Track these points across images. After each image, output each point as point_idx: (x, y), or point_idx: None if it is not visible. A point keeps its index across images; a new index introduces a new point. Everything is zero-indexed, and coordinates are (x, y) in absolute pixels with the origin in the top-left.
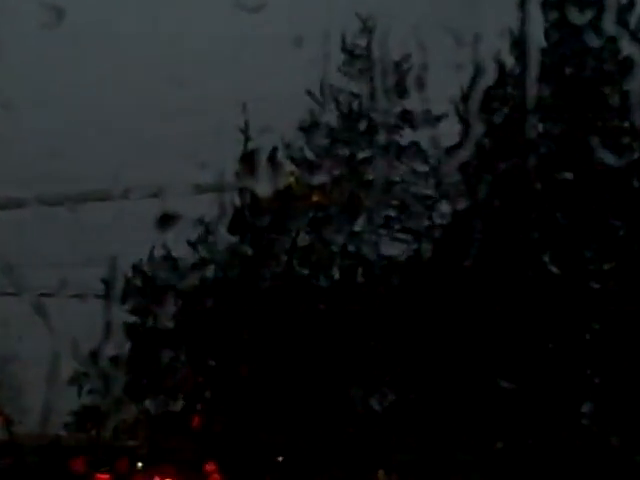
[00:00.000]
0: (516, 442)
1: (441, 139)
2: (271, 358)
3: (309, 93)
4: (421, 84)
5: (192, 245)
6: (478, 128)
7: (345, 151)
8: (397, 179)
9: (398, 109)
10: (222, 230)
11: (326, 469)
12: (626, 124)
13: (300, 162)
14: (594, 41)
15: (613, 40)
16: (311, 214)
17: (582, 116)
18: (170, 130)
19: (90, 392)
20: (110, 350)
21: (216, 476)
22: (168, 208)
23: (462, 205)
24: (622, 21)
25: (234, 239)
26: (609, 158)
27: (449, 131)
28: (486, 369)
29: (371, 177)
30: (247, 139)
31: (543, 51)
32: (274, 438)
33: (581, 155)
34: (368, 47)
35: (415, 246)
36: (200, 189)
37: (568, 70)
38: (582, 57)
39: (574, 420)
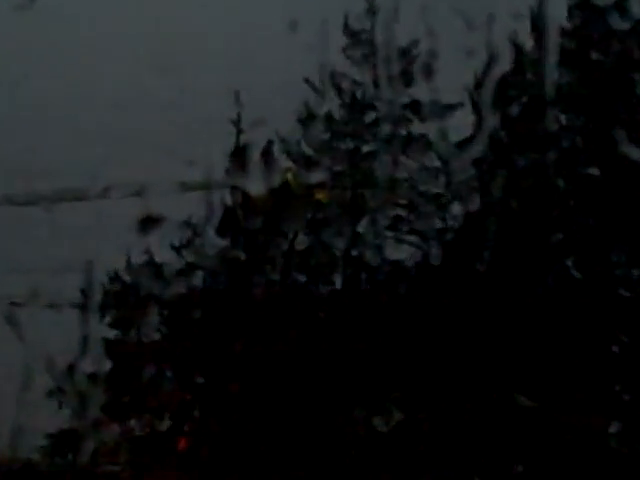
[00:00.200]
0: (537, 465)
1: (452, 132)
2: (265, 374)
3: (307, 81)
4: (429, 71)
5: (177, 249)
6: (493, 120)
7: (347, 145)
8: (404, 176)
9: (405, 99)
10: (211, 232)
11: None
12: None
13: (297, 157)
14: (619, 24)
15: None
16: (310, 214)
17: (607, 106)
18: (154, 123)
19: (65, 410)
20: (88, 365)
21: None
22: (151, 208)
23: (475, 205)
24: None
25: (224, 242)
26: (635, 153)
27: (461, 123)
28: (503, 385)
29: (376, 174)
30: (239, 132)
31: (563, 34)
32: (268, 462)
33: (607, 149)
34: (372, 30)
35: (424, 250)
36: (187, 187)
37: (591, 56)
38: (606, 41)
39: (601, 441)
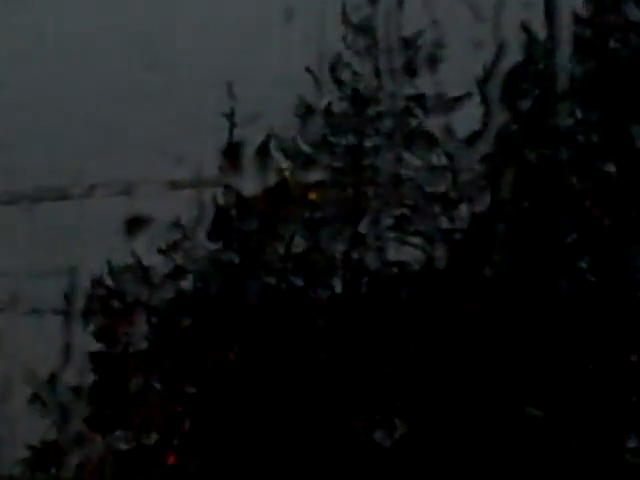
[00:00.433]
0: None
1: (459, 127)
2: (261, 384)
3: (308, 70)
4: (434, 62)
5: (166, 252)
6: (502, 114)
7: (347, 140)
8: (407, 174)
9: (409, 90)
10: (202, 234)
11: None
12: None
13: (294, 154)
14: (636, 14)
15: None
16: (307, 215)
17: (624, 99)
18: (142, 117)
19: (47, 422)
20: (70, 376)
21: None
22: (138, 208)
23: (483, 204)
24: None
25: (216, 245)
26: None
27: (469, 117)
28: (512, 395)
29: (377, 171)
30: (232, 127)
31: (578, 22)
32: (262, 478)
33: (623, 145)
34: (373, 19)
35: (428, 253)
36: (177, 186)
37: (607, 47)
38: (623, 32)
39: (617, 457)
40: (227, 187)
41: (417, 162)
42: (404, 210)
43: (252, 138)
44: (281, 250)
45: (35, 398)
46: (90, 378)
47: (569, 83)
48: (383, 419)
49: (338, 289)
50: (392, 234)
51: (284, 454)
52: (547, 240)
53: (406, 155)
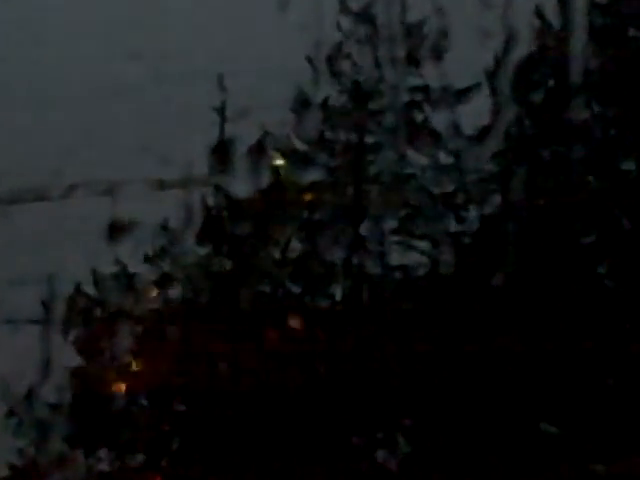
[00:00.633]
0: None
1: (467, 122)
2: (254, 399)
3: (309, 60)
4: (439, 52)
5: (151, 258)
6: (514, 108)
7: (347, 137)
8: (411, 173)
9: (413, 81)
10: (190, 238)
11: None
12: None
13: (290, 153)
14: None
15: None
16: (304, 217)
17: None
18: (125, 113)
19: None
20: (49, 391)
21: None
22: (122, 210)
23: (493, 206)
24: None
25: (206, 250)
26: None
27: (476, 112)
28: (526, 410)
29: (379, 170)
30: (223, 123)
31: (593, 10)
32: None
33: None
34: (373, 6)
35: (434, 257)
36: (163, 186)
37: (626, 35)
38: None
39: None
40: (218, 187)
41: (422, 160)
42: (408, 212)
43: (244, 134)
44: (276, 255)
45: (11, 415)
46: (70, 393)
47: (585, 75)
48: (386, 437)
49: (338, 297)
50: (395, 237)
51: (280, 475)
52: (562, 243)
53: (410, 153)
